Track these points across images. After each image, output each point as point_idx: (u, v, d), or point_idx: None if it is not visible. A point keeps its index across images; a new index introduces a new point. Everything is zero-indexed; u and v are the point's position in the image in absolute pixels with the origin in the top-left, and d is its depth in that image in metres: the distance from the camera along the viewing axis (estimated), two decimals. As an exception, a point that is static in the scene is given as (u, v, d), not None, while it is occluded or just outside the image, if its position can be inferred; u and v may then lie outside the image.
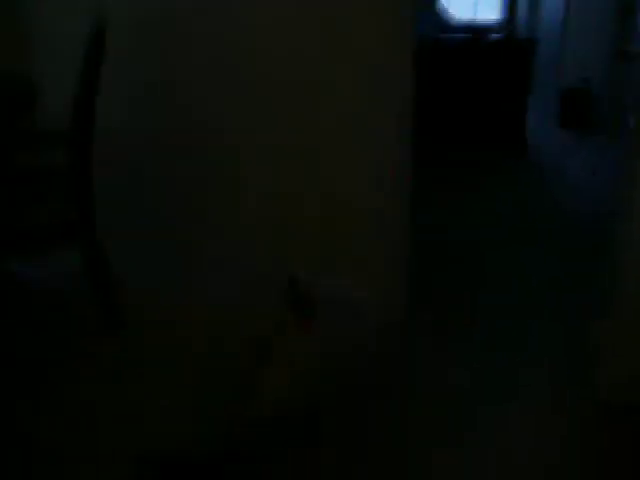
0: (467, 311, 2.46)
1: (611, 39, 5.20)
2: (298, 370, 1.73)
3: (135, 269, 2.57)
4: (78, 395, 1.91)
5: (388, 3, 2.15)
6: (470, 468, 1.67)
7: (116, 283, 2.29)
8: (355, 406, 1.86)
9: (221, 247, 2.67)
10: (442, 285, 2.67)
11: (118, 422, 1.79)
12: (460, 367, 2.09)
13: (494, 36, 5.14)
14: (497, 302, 2.53)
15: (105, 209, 2.27)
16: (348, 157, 2.35)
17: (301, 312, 1.79)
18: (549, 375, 2.06)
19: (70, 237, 2.14)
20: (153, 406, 1.85)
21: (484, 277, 2.75)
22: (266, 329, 1.85)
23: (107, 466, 1.64)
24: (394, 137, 2.27)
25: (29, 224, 2.11)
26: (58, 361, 2.10)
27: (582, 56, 5.41)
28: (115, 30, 2.16)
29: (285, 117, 2.43)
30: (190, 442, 1.68)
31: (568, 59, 5.51)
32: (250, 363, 1.83)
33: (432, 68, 4.20)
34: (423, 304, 2.45)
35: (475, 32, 5.07)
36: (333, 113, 2.33)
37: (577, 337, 2.25)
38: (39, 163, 2.43)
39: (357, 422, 1.79)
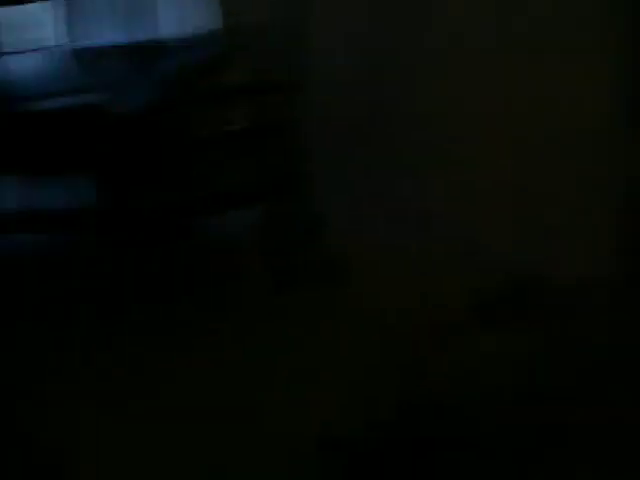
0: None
1: None
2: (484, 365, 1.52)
3: (338, 219, 2.43)
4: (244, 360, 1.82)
5: None
6: None
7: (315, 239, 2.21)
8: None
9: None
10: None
11: (297, 397, 1.71)
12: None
13: None
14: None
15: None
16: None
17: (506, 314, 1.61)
18: None
19: (279, 193, 2.11)
20: (336, 381, 1.75)
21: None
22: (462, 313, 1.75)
23: (285, 446, 1.50)
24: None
25: (236, 182, 2.07)
26: (230, 320, 2.01)
27: None
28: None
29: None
30: (376, 425, 1.54)
31: None
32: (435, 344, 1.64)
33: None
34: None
35: None
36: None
37: None
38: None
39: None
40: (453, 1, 2.35)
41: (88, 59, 2.44)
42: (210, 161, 2.22)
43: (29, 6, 2.12)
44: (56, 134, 2.02)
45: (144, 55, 2.39)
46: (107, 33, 2.53)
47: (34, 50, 2.51)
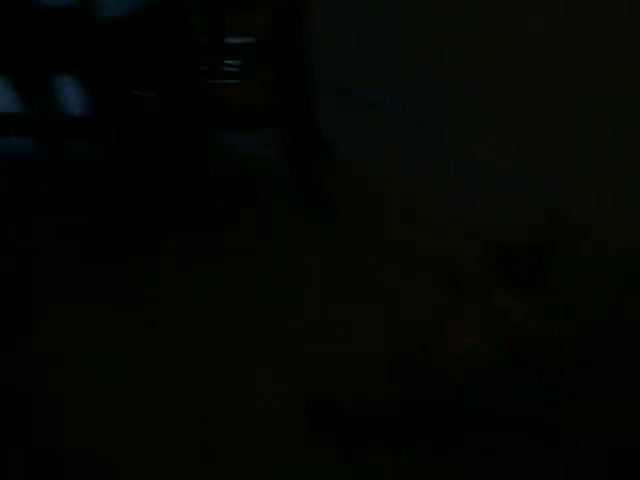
0: None
1: None
2: (497, 336, 1.50)
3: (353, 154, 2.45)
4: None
5: None
6: None
7: (328, 170, 2.21)
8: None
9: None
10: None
11: (290, 352, 1.74)
12: None
13: None
14: None
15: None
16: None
17: (517, 284, 1.53)
18: None
19: (279, 117, 2.03)
20: (330, 342, 1.77)
21: None
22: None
23: (274, 404, 1.61)
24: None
25: (236, 100, 2.05)
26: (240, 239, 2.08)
27: None
28: None
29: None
30: (367, 392, 1.60)
31: None
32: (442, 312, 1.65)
33: None
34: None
35: None
36: None
37: None
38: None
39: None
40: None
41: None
42: (209, 73, 2.13)
43: None
44: (46, 34, 1.94)
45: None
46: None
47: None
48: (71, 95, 2.34)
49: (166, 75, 2.07)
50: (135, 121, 2.08)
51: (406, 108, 2.77)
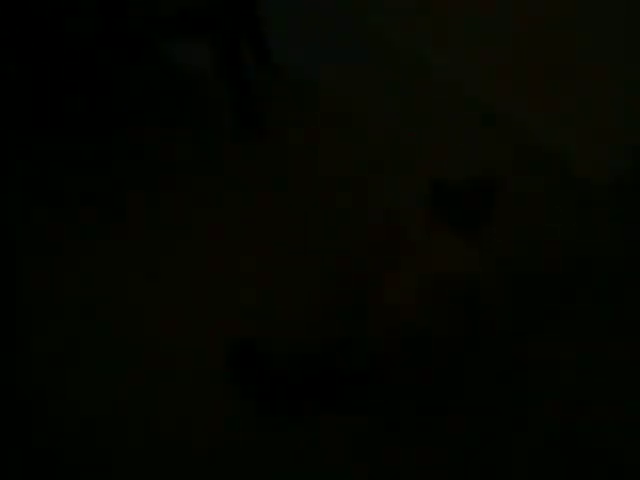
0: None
1: None
2: (434, 287, 1.45)
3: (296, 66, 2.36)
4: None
5: None
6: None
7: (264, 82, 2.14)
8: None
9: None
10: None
11: (220, 290, 1.75)
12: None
13: None
14: None
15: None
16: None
17: (459, 223, 1.45)
18: None
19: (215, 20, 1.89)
20: (261, 280, 1.77)
21: None
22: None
23: (197, 341, 1.66)
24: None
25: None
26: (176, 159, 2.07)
27: None
28: None
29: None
30: (294, 344, 1.58)
31: None
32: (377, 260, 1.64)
33: None
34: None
35: None
36: None
37: None
38: None
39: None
40: None
41: None
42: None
43: None
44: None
45: None
46: None
47: None
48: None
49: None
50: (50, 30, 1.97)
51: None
